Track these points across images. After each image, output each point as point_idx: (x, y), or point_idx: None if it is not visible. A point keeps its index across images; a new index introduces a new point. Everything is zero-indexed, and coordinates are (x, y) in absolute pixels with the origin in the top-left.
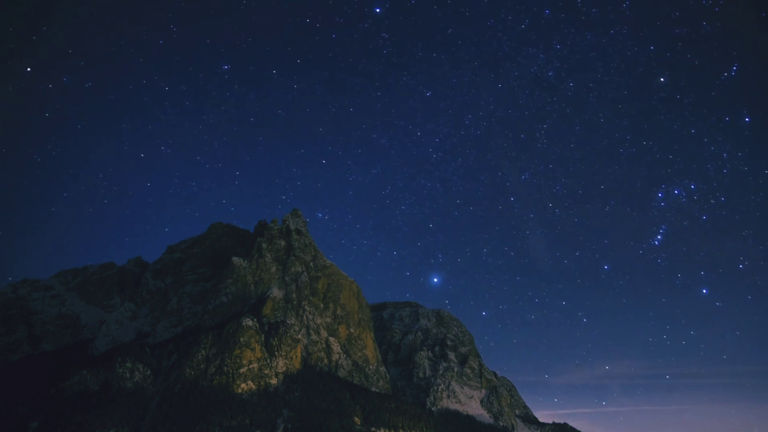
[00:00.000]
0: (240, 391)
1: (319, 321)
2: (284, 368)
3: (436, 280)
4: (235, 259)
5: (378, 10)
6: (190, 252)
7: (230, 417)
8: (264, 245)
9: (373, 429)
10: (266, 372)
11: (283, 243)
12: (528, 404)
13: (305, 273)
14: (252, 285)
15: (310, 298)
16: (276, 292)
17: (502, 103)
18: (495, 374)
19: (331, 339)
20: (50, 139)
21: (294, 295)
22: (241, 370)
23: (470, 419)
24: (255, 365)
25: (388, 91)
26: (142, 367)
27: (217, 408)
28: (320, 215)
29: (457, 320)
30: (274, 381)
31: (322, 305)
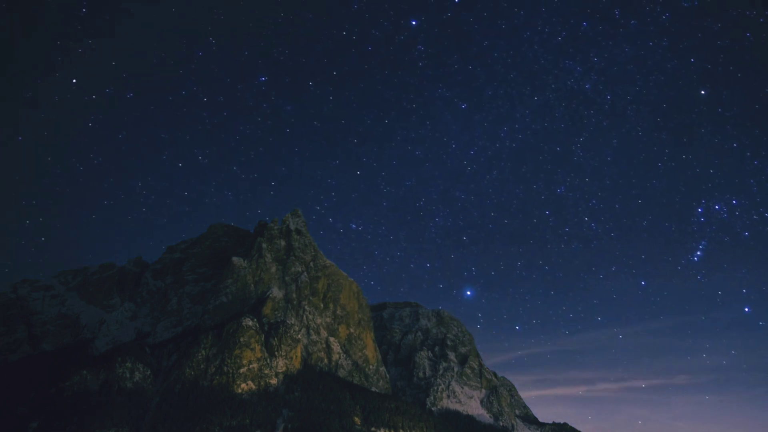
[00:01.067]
0: (240, 391)
1: (319, 321)
2: (284, 368)
3: (469, 293)
4: (235, 259)
5: (414, 23)
6: (190, 252)
7: (230, 417)
8: (264, 245)
9: (373, 429)
10: (266, 372)
11: (283, 243)
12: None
13: (305, 273)
14: (252, 285)
15: (310, 298)
16: (276, 292)
17: (538, 115)
18: (495, 374)
19: (331, 339)
20: (92, 148)
21: (294, 295)
22: (241, 370)
23: (470, 419)
24: (255, 365)
25: (423, 103)
26: (142, 367)
27: (217, 408)
28: (354, 226)
29: (457, 320)
30: (274, 381)
31: (322, 305)
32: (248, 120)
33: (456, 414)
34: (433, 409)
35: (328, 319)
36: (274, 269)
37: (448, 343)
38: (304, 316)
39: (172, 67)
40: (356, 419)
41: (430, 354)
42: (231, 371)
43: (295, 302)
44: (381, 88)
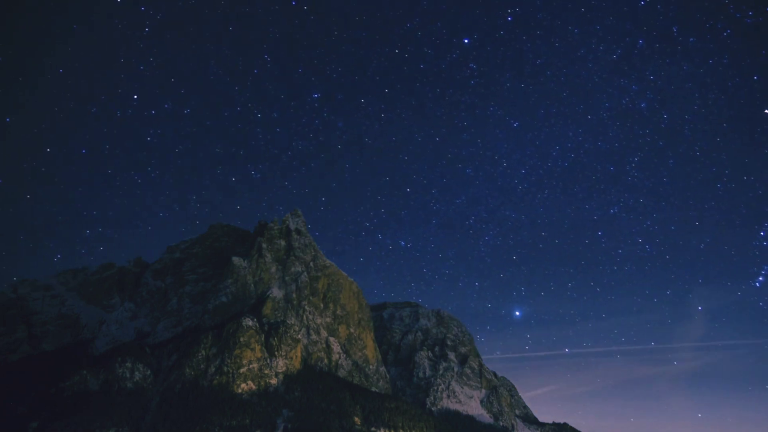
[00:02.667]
0: (240, 391)
1: (319, 321)
2: (284, 368)
3: (518, 313)
4: (235, 259)
5: (467, 41)
6: (190, 252)
7: (230, 417)
8: (264, 245)
9: (373, 429)
10: (266, 372)
11: (283, 243)
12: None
13: (305, 273)
14: (252, 285)
15: (310, 298)
16: (276, 292)
17: (591, 134)
18: (495, 374)
19: (331, 339)
20: (150, 161)
21: (294, 295)
22: (241, 370)
23: (470, 419)
24: (255, 365)
25: (474, 121)
26: (142, 367)
27: (217, 408)
28: (403, 243)
29: (456, 320)
30: (274, 381)
31: (322, 305)
32: (301, 136)
33: (456, 414)
34: (433, 409)
35: (328, 319)
36: (274, 269)
37: (448, 343)
38: (304, 316)
39: (229, 84)
40: (356, 419)
41: (430, 354)
42: (231, 371)
43: (295, 302)
44: (432, 106)
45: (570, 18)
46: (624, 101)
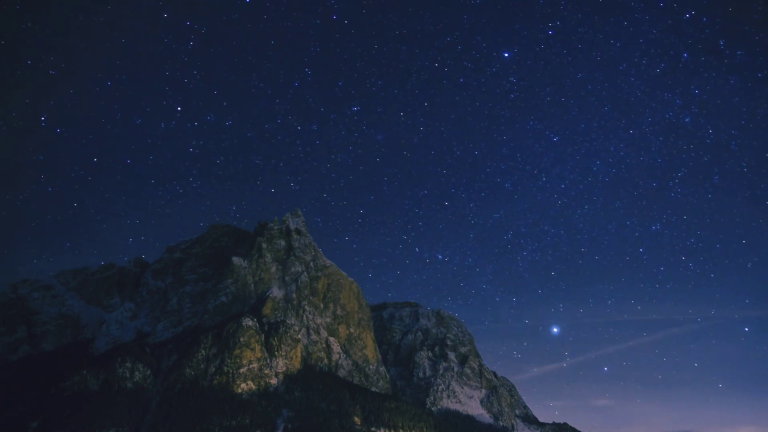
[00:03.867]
0: (240, 391)
1: (319, 321)
2: (284, 368)
3: (555, 330)
4: (235, 259)
5: (507, 55)
6: (190, 252)
7: (230, 417)
8: (264, 245)
9: (373, 429)
10: (266, 372)
11: (283, 243)
12: None
13: (305, 273)
14: (252, 285)
15: (310, 298)
16: (276, 292)
17: (633, 149)
18: (495, 374)
19: (331, 339)
20: (192, 172)
21: (294, 295)
22: (241, 370)
23: (470, 419)
24: (255, 365)
25: (514, 135)
26: (142, 367)
27: (217, 408)
28: (440, 257)
29: (456, 320)
30: (274, 381)
31: (322, 305)
32: (340, 149)
33: (456, 414)
34: (433, 409)
35: (328, 319)
36: (274, 269)
37: (448, 343)
38: (304, 316)
39: (270, 96)
40: (356, 419)
41: (430, 354)
42: (231, 371)
43: (295, 302)
44: (472, 120)
45: (612, 31)
46: (668, 116)
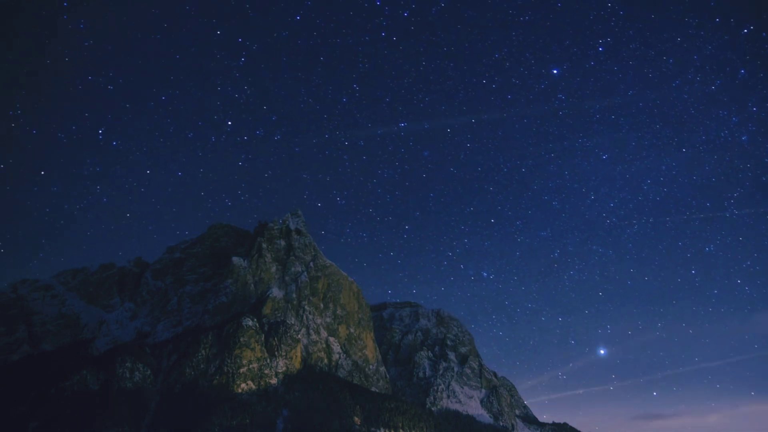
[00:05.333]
0: (240, 391)
1: (319, 321)
2: (284, 368)
3: (602, 351)
4: (235, 259)
5: (556, 72)
6: (190, 252)
7: (230, 417)
8: (264, 245)
9: (373, 429)
10: (266, 372)
11: (283, 243)
12: None
13: (305, 273)
14: (252, 285)
15: (310, 298)
16: (276, 292)
17: (686, 168)
18: (495, 374)
19: (331, 339)
20: (240, 185)
21: (294, 295)
22: (241, 370)
23: (470, 419)
24: (255, 365)
25: (562, 152)
26: (142, 367)
27: (217, 408)
28: (485, 274)
29: (456, 320)
30: (274, 381)
31: (322, 305)
32: (386, 164)
33: (456, 414)
34: (433, 409)
35: (328, 319)
36: (274, 269)
37: (448, 343)
38: (304, 316)
39: (318, 112)
40: (356, 419)
41: (430, 354)
42: (231, 371)
43: (295, 302)
44: (519, 137)
45: (665, 48)
46: (723, 134)
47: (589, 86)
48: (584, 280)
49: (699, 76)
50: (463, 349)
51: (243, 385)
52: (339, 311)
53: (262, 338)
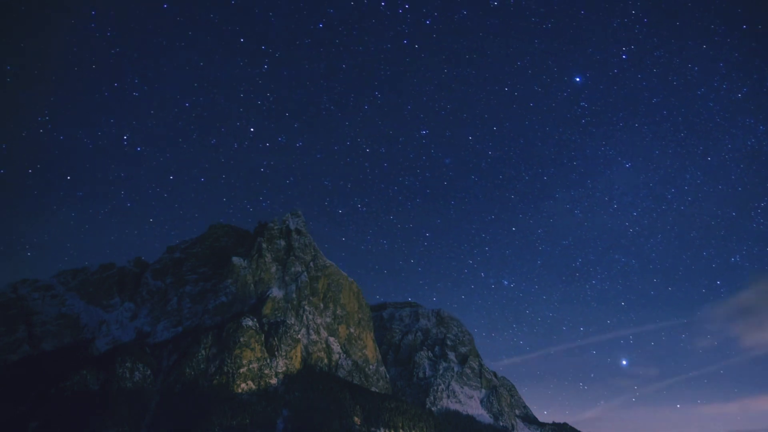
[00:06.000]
0: (240, 391)
1: (319, 321)
2: (284, 368)
3: (624, 362)
4: (235, 259)
5: (578, 79)
6: (190, 252)
7: (230, 417)
8: (264, 245)
9: (373, 429)
10: (266, 372)
11: (283, 243)
12: None
13: (305, 273)
14: (252, 285)
15: (310, 298)
16: (276, 292)
17: (711, 177)
18: (495, 374)
19: (331, 339)
20: (262, 191)
21: (294, 295)
22: (241, 370)
23: (470, 419)
24: (255, 365)
25: (584, 161)
26: (142, 367)
27: (217, 408)
28: (506, 283)
29: (456, 320)
30: (274, 381)
31: (322, 305)
32: (408, 171)
33: (456, 414)
34: (433, 409)
35: (328, 319)
36: (274, 269)
37: (448, 343)
38: (304, 316)
39: (340, 119)
40: (356, 419)
41: (430, 354)
42: (231, 371)
43: (295, 302)
44: (541, 145)
45: (690, 55)
46: (749, 142)
47: (612, 94)
48: (606, 289)
49: (725, 83)
50: (463, 349)
51: (243, 385)
52: (339, 311)
53: (262, 338)
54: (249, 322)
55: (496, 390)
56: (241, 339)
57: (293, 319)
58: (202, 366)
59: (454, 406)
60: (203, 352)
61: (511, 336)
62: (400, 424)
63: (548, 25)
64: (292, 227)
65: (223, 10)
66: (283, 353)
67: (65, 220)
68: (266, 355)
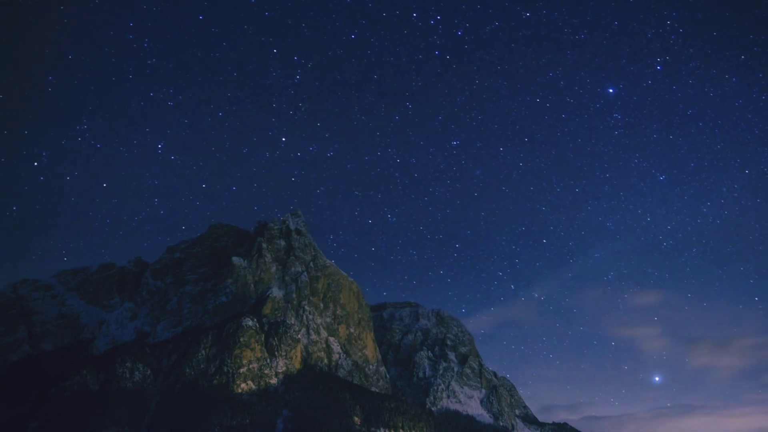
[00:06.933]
0: (240, 391)
1: (319, 321)
2: (284, 368)
3: (657, 378)
4: (235, 259)
5: (611, 91)
6: (190, 252)
7: (230, 417)
8: (264, 245)
9: (373, 429)
10: (266, 372)
11: (283, 243)
12: None
13: (305, 273)
14: (252, 285)
15: (310, 298)
16: (276, 292)
17: (749, 190)
18: (495, 374)
19: (331, 339)
20: (293, 201)
21: (294, 295)
22: (241, 370)
23: (470, 419)
24: (255, 365)
25: (617, 173)
26: (142, 367)
27: (217, 408)
28: (536, 295)
29: (456, 320)
30: (274, 381)
31: (322, 305)
32: (438, 182)
33: (456, 414)
34: (433, 409)
35: (328, 319)
36: (274, 269)
37: (448, 343)
38: (304, 316)
39: (371, 129)
40: (356, 419)
41: (430, 354)
42: (231, 371)
43: (295, 302)
44: (573, 157)
45: (728, 66)
46: None
47: (646, 105)
48: (639, 303)
49: (764, 95)
50: (463, 349)
51: (243, 385)
52: (339, 311)
53: (262, 338)
54: (249, 322)
55: (496, 390)
56: (241, 339)
57: (293, 319)
58: (202, 366)
59: (454, 406)
60: (203, 352)
61: (541, 349)
62: (400, 424)
63: (581, 36)
64: (292, 227)
65: (256, 22)
66: (283, 353)
67: (101, 227)
68: (266, 355)
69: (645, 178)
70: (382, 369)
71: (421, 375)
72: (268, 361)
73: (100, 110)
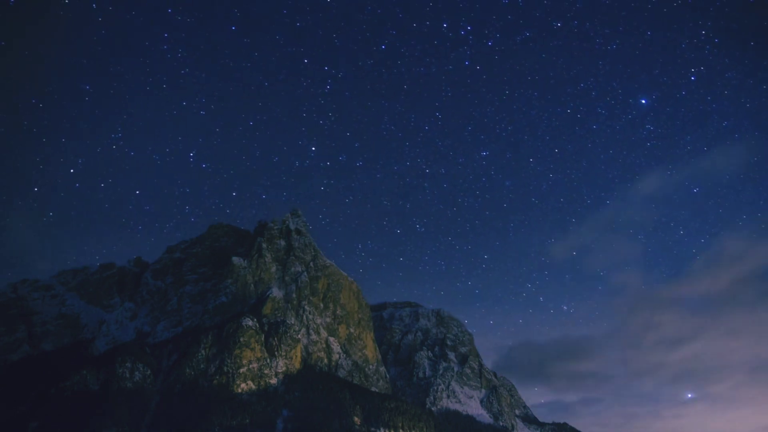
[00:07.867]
0: (240, 391)
1: (319, 321)
2: (284, 368)
3: (690, 395)
4: (235, 259)
5: (644, 102)
6: (190, 252)
7: (230, 417)
8: (264, 245)
9: (373, 429)
10: (266, 372)
11: (283, 243)
12: None
13: (305, 273)
14: (252, 285)
15: (310, 298)
16: (276, 292)
17: None
18: (495, 374)
19: (331, 339)
20: (322, 209)
21: (294, 295)
22: (241, 370)
23: (470, 419)
24: (255, 365)
25: (649, 184)
26: (142, 367)
27: (217, 408)
28: (565, 308)
29: (456, 320)
30: (273, 381)
31: (322, 305)
32: (467, 193)
33: (456, 414)
34: (433, 409)
35: (328, 319)
36: (274, 269)
37: (448, 343)
38: (304, 316)
39: (400, 139)
40: (356, 419)
41: (430, 354)
42: (231, 371)
43: (295, 302)
44: (604, 168)
45: (765, 77)
46: None
47: (679, 116)
48: (672, 319)
49: None
50: (463, 349)
51: (243, 385)
52: (339, 311)
53: (262, 338)
54: (249, 322)
55: (496, 390)
56: (241, 339)
57: (293, 319)
58: (202, 366)
59: (454, 406)
60: (203, 352)
61: (570, 365)
62: (400, 424)
63: (613, 46)
64: (292, 227)
65: (288, 32)
66: (283, 353)
67: (133, 234)
68: (266, 355)
69: (678, 190)
70: (382, 369)
71: (421, 375)
72: (268, 361)
73: (134, 119)
